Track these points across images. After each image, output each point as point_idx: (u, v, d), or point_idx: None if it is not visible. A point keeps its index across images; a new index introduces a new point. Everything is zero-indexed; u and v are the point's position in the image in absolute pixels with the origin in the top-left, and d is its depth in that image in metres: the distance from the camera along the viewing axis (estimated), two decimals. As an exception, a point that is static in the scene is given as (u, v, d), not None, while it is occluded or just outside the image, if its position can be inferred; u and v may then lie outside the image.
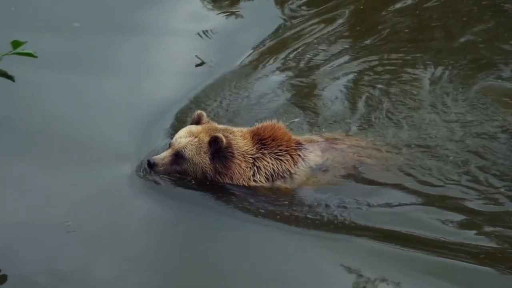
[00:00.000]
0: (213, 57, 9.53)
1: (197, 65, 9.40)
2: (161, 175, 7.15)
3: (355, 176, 7.30)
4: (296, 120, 8.23)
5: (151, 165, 7.05)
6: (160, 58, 9.48)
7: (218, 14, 10.51)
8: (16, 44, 4.75)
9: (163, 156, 7.11)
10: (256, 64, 9.46)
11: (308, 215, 6.91)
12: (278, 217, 6.92)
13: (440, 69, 9.12)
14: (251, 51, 9.72)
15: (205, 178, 7.14)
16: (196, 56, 9.51)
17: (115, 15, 10.16)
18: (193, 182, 7.17)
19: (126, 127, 8.01)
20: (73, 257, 6.41)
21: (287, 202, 7.09)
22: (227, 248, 6.60)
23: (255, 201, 7.08)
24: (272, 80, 9.10)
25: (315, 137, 7.57)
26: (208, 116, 7.55)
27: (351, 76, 9.17)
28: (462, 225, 6.84)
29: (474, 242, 6.62)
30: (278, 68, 9.37)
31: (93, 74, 8.94)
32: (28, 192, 7.06)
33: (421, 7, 10.62)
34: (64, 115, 8.16)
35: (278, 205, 7.05)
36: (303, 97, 8.78)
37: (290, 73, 9.25)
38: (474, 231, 6.76)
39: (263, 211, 6.96)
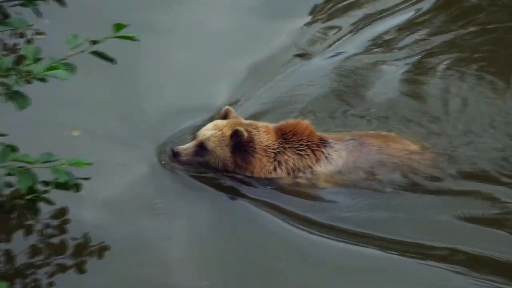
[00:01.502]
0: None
1: (297, 55, 9.46)
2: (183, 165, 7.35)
3: (377, 179, 7.27)
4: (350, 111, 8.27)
5: (175, 154, 7.28)
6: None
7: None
8: (118, 27, 4.82)
9: (187, 146, 7.33)
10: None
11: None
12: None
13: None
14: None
15: (226, 171, 7.31)
16: (296, 46, 9.58)
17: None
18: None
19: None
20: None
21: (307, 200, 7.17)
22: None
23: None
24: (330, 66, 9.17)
25: (344, 135, 7.53)
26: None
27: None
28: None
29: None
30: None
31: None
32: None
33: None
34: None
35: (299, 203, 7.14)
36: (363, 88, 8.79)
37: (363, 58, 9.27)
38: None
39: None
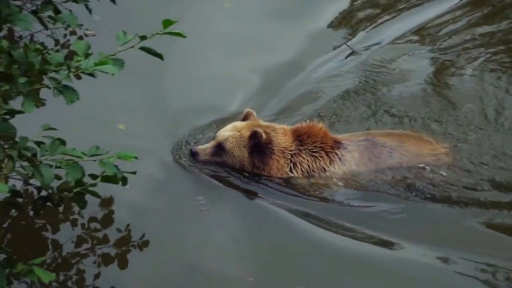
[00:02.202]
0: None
1: (349, 54, 9.54)
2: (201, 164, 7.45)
3: (388, 179, 7.28)
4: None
5: (193, 154, 7.40)
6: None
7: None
8: (167, 23, 4.86)
9: (205, 146, 7.45)
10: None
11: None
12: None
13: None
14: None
15: (242, 171, 7.41)
16: (346, 44, 9.62)
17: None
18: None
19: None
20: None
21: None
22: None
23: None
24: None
25: (357, 135, 7.56)
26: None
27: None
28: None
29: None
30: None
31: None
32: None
33: None
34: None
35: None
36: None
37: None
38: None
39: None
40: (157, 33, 4.88)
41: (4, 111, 4.91)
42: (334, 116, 8.23)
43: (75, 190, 5.17)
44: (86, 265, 6.27)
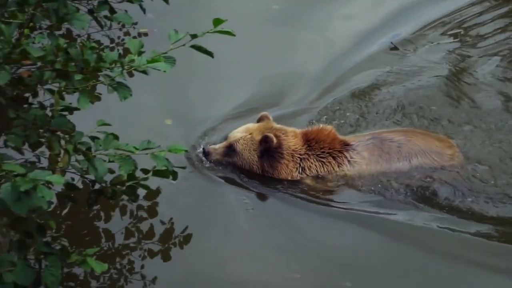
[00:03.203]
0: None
1: (391, 49, 9.54)
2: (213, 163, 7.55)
3: (399, 177, 7.34)
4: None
5: (205, 153, 7.50)
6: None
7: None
8: (217, 21, 4.97)
9: (218, 146, 7.53)
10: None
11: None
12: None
13: None
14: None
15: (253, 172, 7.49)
16: (391, 42, 9.64)
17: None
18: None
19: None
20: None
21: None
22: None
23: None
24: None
25: (364, 135, 7.63)
26: None
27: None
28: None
29: None
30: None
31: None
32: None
33: None
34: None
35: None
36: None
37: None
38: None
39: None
40: (208, 32, 4.99)
41: (61, 107, 5.11)
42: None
43: (127, 184, 5.33)
44: (133, 257, 6.46)
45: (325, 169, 7.42)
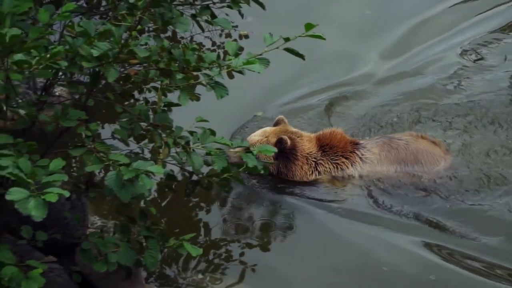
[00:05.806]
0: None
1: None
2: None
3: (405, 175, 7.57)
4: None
5: None
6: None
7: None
8: (308, 26, 5.23)
9: (237, 150, 7.44)
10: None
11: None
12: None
13: None
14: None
15: (271, 175, 7.68)
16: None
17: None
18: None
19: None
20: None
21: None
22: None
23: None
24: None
25: (373, 138, 7.94)
26: None
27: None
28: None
29: None
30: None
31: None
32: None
33: None
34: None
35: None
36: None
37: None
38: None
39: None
40: (300, 35, 5.25)
41: (163, 103, 5.53)
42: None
43: (222, 177, 5.69)
44: (232, 246, 6.86)
45: (340, 170, 7.69)
